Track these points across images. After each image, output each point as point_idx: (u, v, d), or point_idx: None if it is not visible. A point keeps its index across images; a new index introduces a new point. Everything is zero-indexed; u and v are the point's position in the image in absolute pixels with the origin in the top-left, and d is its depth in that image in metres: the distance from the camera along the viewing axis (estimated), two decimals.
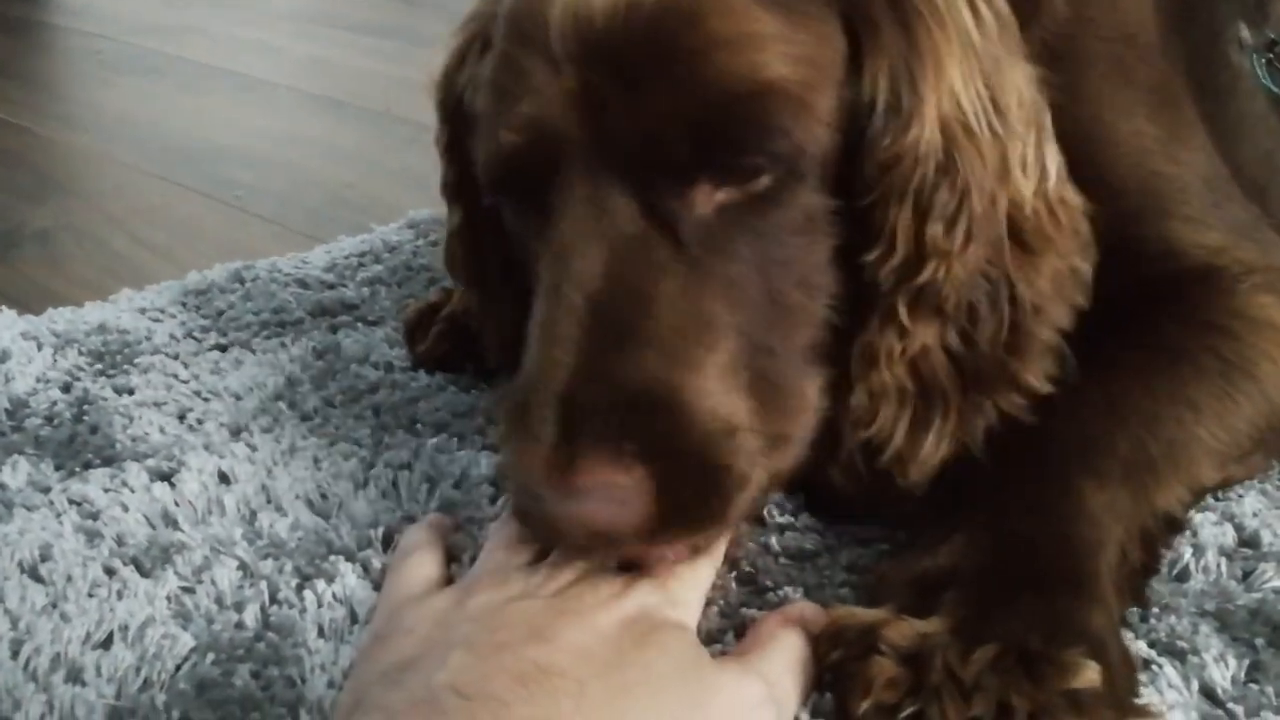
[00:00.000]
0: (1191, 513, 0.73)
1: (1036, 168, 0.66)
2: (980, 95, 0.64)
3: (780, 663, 0.59)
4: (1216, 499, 0.75)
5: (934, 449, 0.66)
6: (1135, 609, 0.65)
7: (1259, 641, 0.63)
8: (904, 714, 0.54)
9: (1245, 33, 0.87)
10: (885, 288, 0.64)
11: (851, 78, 0.63)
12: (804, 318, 0.64)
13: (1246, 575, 0.69)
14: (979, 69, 0.64)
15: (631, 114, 0.60)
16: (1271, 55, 0.88)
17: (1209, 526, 0.72)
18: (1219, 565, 0.69)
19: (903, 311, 0.64)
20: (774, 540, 0.72)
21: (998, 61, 0.65)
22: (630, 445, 0.56)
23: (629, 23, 0.60)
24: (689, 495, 0.58)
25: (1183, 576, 0.69)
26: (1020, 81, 0.66)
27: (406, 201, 1.37)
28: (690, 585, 0.63)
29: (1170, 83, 0.81)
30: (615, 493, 0.56)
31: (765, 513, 0.74)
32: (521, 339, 0.77)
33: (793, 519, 0.75)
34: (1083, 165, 0.73)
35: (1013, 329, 0.66)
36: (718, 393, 0.60)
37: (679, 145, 0.60)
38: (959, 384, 0.66)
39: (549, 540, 0.60)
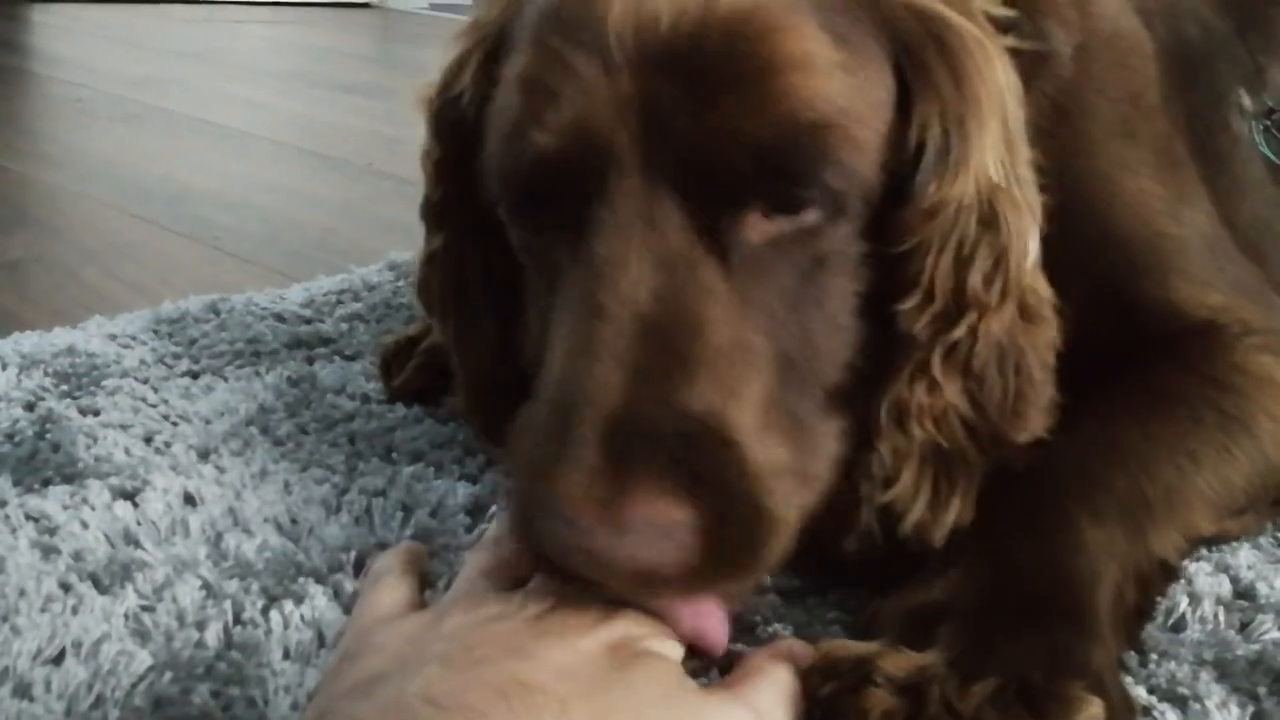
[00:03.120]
0: (1186, 563, 0.71)
1: (1028, 247, 0.65)
2: (1007, 162, 0.63)
3: (770, 695, 0.56)
4: (1210, 550, 0.74)
5: (956, 513, 0.64)
6: (1133, 654, 0.63)
7: (1261, 690, 0.61)
8: None
9: (1245, 99, 0.88)
10: (921, 339, 0.62)
11: (897, 122, 0.61)
12: (830, 359, 0.62)
13: (1244, 626, 0.67)
14: (1007, 136, 0.63)
15: (694, 128, 0.57)
16: (1269, 122, 0.89)
17: (1204, 577, 0.71)
18: (1216, 615, 0.68)
19: (936, 365, 0.62)
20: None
21: (1019, 134, 0.64)
22: (682, 478, 0.52)
23: (699, 32, 0.57)
24: (734, 539, 0.53)
25: (1179, 626, 0.67)
26: (1027, 159, 0.65)
27: (388, 247, 1.36)
28: None
29: (1174, 143, 0.81)
30: (664, 529, 0.51)
31: None
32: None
33: None
34: (1086, 221, 0.73)
35: (1017, 396, 0.65)
36: (761, 430, 0.57)
37: (741, 165, 0.57)
38: (976, 446, 0.64)
39: (577, 572, 0.53)
